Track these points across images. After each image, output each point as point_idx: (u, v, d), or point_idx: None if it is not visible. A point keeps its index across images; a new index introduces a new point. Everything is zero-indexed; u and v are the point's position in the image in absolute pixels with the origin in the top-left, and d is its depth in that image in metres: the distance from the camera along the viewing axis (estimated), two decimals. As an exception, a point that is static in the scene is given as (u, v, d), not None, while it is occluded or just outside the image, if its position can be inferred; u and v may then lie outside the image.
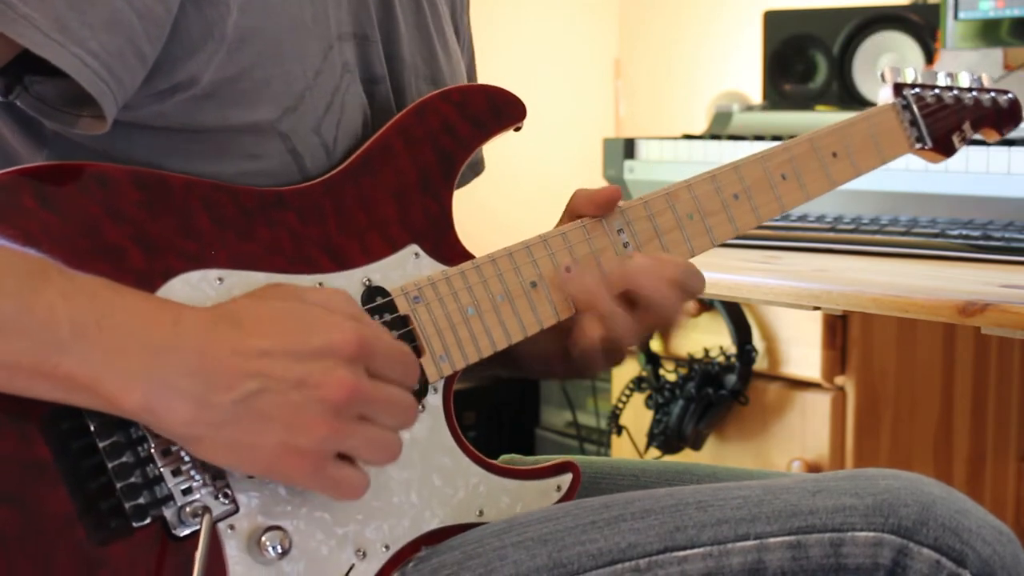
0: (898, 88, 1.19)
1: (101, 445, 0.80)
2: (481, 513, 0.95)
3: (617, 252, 1.00)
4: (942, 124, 1.19)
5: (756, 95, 2.43)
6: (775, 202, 1.07)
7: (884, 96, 1.19)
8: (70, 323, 0.75)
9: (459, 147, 0.98)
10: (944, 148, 1.20)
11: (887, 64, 1.25)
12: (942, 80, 1.22)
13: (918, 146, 1.18)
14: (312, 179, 0.93)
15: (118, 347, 0.76)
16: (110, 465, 0.80)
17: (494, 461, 0.96)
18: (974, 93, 1.24)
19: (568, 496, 0.98)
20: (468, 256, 0.96)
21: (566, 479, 0.98)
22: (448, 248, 0.96)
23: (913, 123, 1.17)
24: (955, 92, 1.22)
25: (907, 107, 1.18)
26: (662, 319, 0.99)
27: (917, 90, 1.19)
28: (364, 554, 0.88)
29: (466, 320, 0.94)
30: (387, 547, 0.90)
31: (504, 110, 1.00)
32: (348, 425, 0.81)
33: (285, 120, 0.92)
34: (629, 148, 1.98)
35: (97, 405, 0.77)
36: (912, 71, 1.21)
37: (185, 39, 0.86)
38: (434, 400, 0.94)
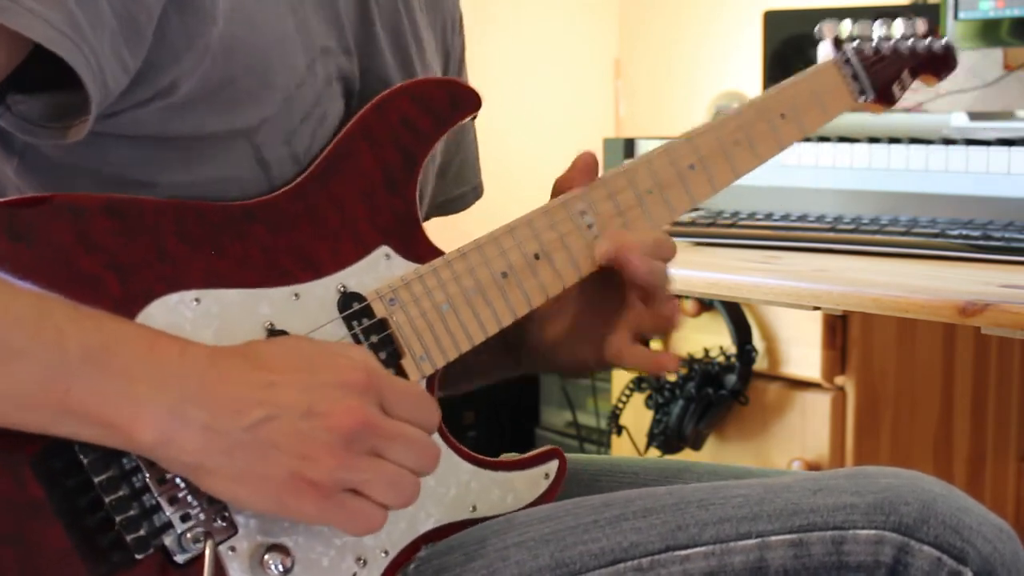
0: (837, 43, 1.20)
1: (96, 480, 0.79)
2: (474, 508, 0.95)
3: (582, 234, 1.01)
4: (883, 75, 1.21)
5: (756, 95, 2.43)
6: (729, 171, 1.08)
7: (824, 52, 1.20)
8: (79, 348, 0.74)
9: (420, 142, 0.97)
10: (886, 98, 1.22)
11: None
12: (877, 31, 1.24)
13: (861, 99, 1.19)
14: (276, 185, 0.92)
15: (127, 373, 0.75)
16: (107, 499, 0.79)
17: (481, 456, 0.96)
18: (910, 41, 1.25)
19: (557, 482, 0.98)
20: (437, 252, 0.96)
21: (553, 466, 0.98)
22: (417, 246, 0.95)
23: (855, 77, 1.19)
24: (892, 42, 1.24)
25: (848, 61, 1.19)
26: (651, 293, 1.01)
27: (856, 43, 1.21)
28: (364, 562, 0.88)
29: (442, 317, 0.94)
30: (386, 552, 0.89)
31: (461, 102, 1.00)
32: (359, 459, 0.80)
33: (260, 130, 0.91)
34: (629, 148, 1.98)
35: (104, 437, 0.77)
36: (849, 24, 1.23)
37: (168, 47, 0.86)
38: None
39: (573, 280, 1.00)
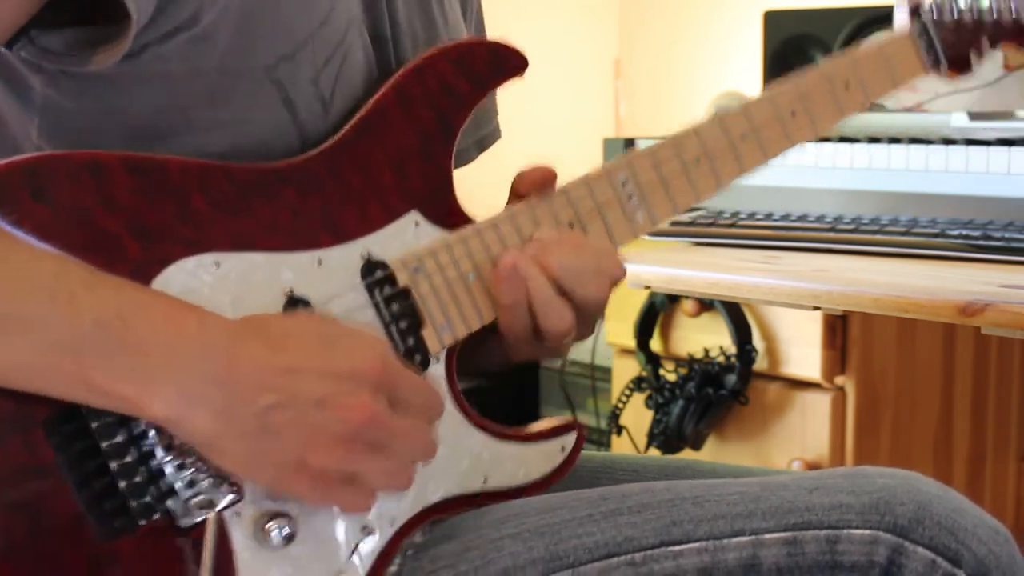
0: (915, 12, 1.16)
1: (103, 446, 0.79)
2: (486, 480, 0.94)
3: (622, 205, 0.98)
4: (960, 44, 1.18)
5: (756, 95, 2.43)
6: (784, 139, 1.05)
7: (901, 17, 1.18)
8: (92, 318, 0.74)
9: (458, 106, 0.95)
10: (960, 67, 1.18)
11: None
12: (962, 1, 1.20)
13: (933, 70, 1.16)
14: (306, 130, 0.91)
15: (141, 345, 0.75)
16: (113, 466, 0.80)
17: (497, 425, 0.95)
18: (995, 7, 1.21)
19: (573, 456, 0.97)
20: (469, 219, 0.94)
21: (570, 439, 0.97)
22: (449, 212, 0.93)
23: (930, 47, 1.16)
24: (974, 10, 1.19)
25: (924, 32, 1.15)
26: (574, 295, 0.94)
27: (935, 12, 1.17)
28: (370, 531, 0.88)
29: (468, 287, 0.92)
30: (392, 522, 0.89)
31: (504, 63, 0.97)
32: (361, 452, 0.80)
33: (281, 67, 0.89)
34: (629, 148, 1.98)
35: (116, 406, 0.77)
36: None
37: None
38: (436, 370, 0.92)
39: None
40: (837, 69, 1.08)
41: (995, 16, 1.20)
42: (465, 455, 0.93)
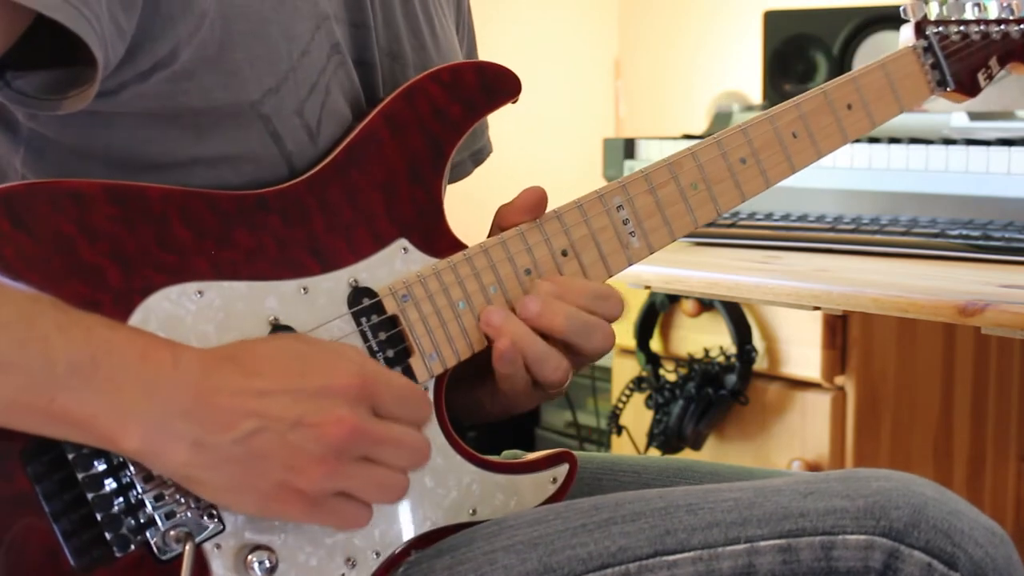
0: (920, 27, 1.13)
1: (80, 477, 0.79)
2: (474, 512, 0.93)
3: (617, 231, 0.97)
4: (967, 63, 1.14)
5: (756, 95, 2.43)
6: (785, 163, 1.02)
7: (905, 35, 1.13)
8: (66, 359, 0.74)
9: (450, 131, 0.94)
10: (968, 88, 1.14)
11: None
12: (969, 12, 1.16)
13: (939, 90, 1.13)
14: (294, 162, 0.90)
15: (114, 384, 0.75)
16: (90, 496, 0.79)
17: (488, 457, 0.94)
18: (1002, 26, 1.17)
19: (565, 487, 0.96)
20: (460, 246, 0.93)
21: (562, 470, 0.96)
22: (438, 239, 0.92)
23: (935, 65, 1.12)
24: (982, 27, 1.15)
25: (929, 48, 1.12)
26: (581, 350, 0.94)
27: (940, 28, 1.13)
28: (354, 563, 0.87)
29: (457, 315, 0.91)
30: (377, 553, 0.88)
31: (496, 87, 0.95)
32: (348, 466, 0.79)
33: (266, 101, 0.89)
34: (629, 148, 1.98)
35: (93, 442, 0.76)
36: (936, 5, 1.15)
37: (163, 13, 0.84)
38: None
39: (602, 280, 0.97)
40: (839, 90, 1.06)
41: (1003, 34, 1.17)
42: (453, 486, 0.92)
